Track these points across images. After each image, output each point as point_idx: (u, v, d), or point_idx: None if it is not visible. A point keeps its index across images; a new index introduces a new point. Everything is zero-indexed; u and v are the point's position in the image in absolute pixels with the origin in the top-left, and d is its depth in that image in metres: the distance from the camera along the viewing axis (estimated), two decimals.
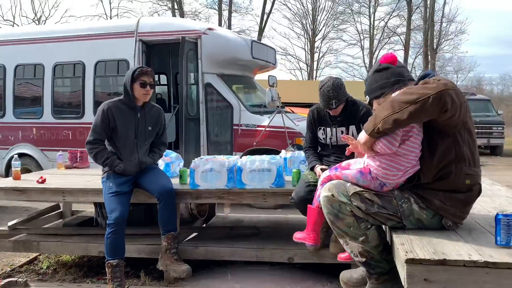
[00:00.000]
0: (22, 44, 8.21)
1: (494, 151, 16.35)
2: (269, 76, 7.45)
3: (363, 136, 2.35)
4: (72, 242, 4.08)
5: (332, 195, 2.38)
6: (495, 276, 1.84)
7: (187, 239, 4.18)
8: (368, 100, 2.54)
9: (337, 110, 3.53)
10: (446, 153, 2.25)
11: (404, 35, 29.95)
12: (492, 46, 63.35)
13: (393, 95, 2.31)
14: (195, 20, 23.83)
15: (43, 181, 4.22)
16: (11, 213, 6.39)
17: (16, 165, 4.56)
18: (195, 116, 7.29)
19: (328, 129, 3.64)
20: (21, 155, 7.76)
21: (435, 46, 28.39)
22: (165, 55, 8.57)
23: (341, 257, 2.99)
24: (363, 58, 33.09)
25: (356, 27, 32.96)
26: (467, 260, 1.86)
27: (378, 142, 2.30)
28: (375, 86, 2.43)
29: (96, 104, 7.64)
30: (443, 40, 29.71)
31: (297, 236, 3.35)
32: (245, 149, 6.89)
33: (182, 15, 26.91)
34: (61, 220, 5.07)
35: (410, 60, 30.03)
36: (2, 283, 3.70)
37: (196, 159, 3.99)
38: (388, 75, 2.40)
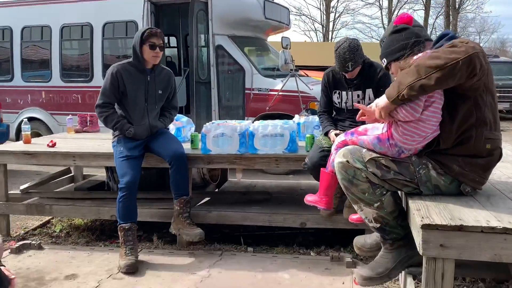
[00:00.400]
0: (29, 5, 8.17)
1: None
2: (282, 37, 7.35)
3: (382, 102, 2.29)
4: (84, 206, 4.17)
5: (347, 161, 2.37)
6: None
7: (199, 203, 4.25)
8: (385, 64, 2.45)
9: (353, 73, 3.48)
10: (467, 117, 2.22)
11: None
12: None
13: (415, 58, 2.25)
14: None
15: (54, 145, 4.28)
16: (23, 177, 6.53)
17: (26, 129, 4.62)
18: (206, 79, 7.26)
19: (344, 93, 3.60)
20: (30, 119, 7.81)
21: (457, 6, 27.63)
22: (175, 16, 8.47)
23: (353, 218, 3.02)
24: (382, 19, 32.39)
25: None
26: (485, 226, 1.86)
27: (400, 109, 2.25)
28: (394, 47, 2.36)
29: (105, 67, 7.64)
30: None
31: (309, 199, 3.36)
32: (258, 114, 6.88)
33: None
34: (72, 184, 5.18)
35: (430, 21, 29.34)
36: (17, 245, 3.82)
37: (207, 123, 3.99)
38: (407, 36, 2.33)
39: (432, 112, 2.26)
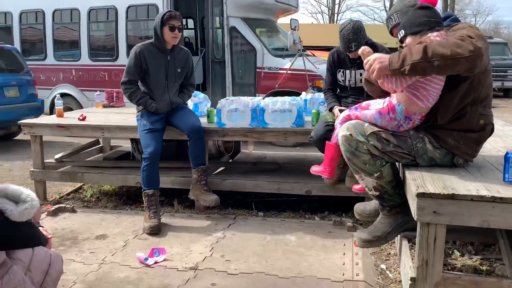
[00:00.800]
0: None
1: (508, 93, 15.81)
2: (291, 19, 7.23)
3: (382, 64, 2.13)
4: (112, 174, 4.22)
5: (350, 134, 2.36)
6: (500, 210, 1.84)
7: (215, 172, 4.28)
8: (401, 36, 2.31)
9: (356, 53, 3.42)
10: (465, 95, 2.18)
11: None
12: None
13: (429, 35, 2.18)
14: None
15: (84, 119, 4.31)
16: (57, 147, 6.61)
17: (59, 104, 4.65)
18: (220, 59, 7.20)
19: (347, 72, 3.55)
20: (62, 95, 7.90)
21: None
22: None
23: (356, 188, 3.03)
24: (384, 2, 31.64)
25: None
26: (475, 195, 1.86)
27: (390, 77, 2.20)
28: (416, 22, 2.24)
29: (129, 47, 7.60)
30: None
31: (314, 169, 3.37)
32: (268, 91, 6.84)
33: None
34: (101, 154, 5.22)
35: None
36: (53, 208, 3.89)
37: (222, 99, 3.98)
38: (432, 14, 2.24)
39: (431, 81, 2.21)
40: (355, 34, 3.31)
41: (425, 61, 2.00)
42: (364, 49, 2.40)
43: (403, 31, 2.30)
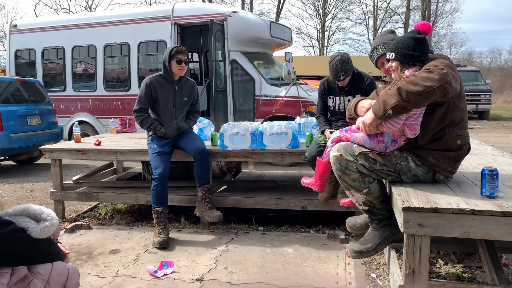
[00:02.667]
0: (77, 28, 8.23)
1: (482, 115, 15.90)
2: (285, 52, 7.32)
3: (370, 118, 2.22)
4: (124, 193, 4.19)
5: (341, 154, 2.36)
6: (479, 221, 1.83)
7: (218, 190, 4.25)
8: (390, 58, 2.27)
9: (344, 82, 3.46)
10: (442, 119, 2.20)
11: (404, 15, 28.81)
12: (483, 22, 60.56)
13: (406, 72, 2.17)
14: (221, 4, 23.38)
15: (99, 143, 4.31)
16: (75, 170, 6.60)
17: (77, 130, 4.67)
18: (223, 88, 7.26)
19: (337, 98, 3.58)
20: (80, 122, 7.94)
21: (431, 24, 27.26)
22: (197, 35, 8.49)
23: (344, 202, 3.00)
24: (368, 36, 32.12)
25: (362, 8, 32.20)
26: (455, 208, 1.85)
27: (385, 123, 2.22)
28: (407, 53, 2.21)
29: (140, 78, 7.68)
30: (439, 18, 28.56)
31: (305, 181, 3.33)
32: (265, 116, 6.87)
33: (210, 0, 26.37)
34: (115, 175, 5.21)
35: None
36: (70, 226, 3.86)
37: (224, 124, 3.99)
38: (424, 50, 2.22)
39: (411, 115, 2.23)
40: (343, 65, 3.35)
41: (402, 101, 2.04)
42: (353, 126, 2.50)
43: (393, 54, 2.27)
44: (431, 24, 26.76)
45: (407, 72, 2.18)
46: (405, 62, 2.23)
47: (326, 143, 3.13)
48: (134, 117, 3.74)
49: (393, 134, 2.29)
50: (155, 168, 3.56)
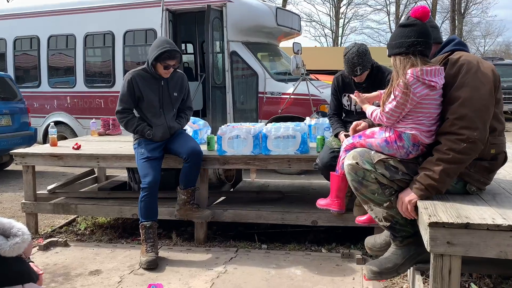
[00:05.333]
0: (54, 15, 8.29)
1: None
2: (293, 43, 7.35)
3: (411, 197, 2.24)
4: (107, 205, 4.20)
5: (357, 163, 2.36)
6: None
7: (215, 202, 4.26)
8: (387, 54, 2.39)
9: (361, 77, 3.46)
10: None
11: (431, 0, 28.85)
12: None
13: (409, 72, 2.19)
14: None
15: (78, 147, 4.33)
16: (50, 178, 6.62)
17: (53, 132, 4.68)
18: (221, 84, 7.28)
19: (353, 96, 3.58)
20: (56, 123, 7.97)
21: (462, 11, 27.32)
22: (191, 24, 8.53)
23: (360, 220, 3.00)
24: (389, 24, 32.20)
25: None
26: (490, 224, 1.84)
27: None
28: (395, 42, 2.30)
29: (126, 73, 7.71)
30: (471, 4, 28.56)
31: (321, 203, 3.35)
32: (270, 117, 6.88)
33: None
34: (96, 184, 5.23)
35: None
36: (44, 242, 3.86)
37: (222, 126, 4.00)
38: (409, 34, 2.25)
39: (425, 106, 2.24)
40: (360, 58, 3.35)
41: (450, 180, 2.19)
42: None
43: (387, 51, 2.36)
44: (463, 11, 26.80)
45: (409, 72, 2.20)
46: (395, 53, 2.28)
47: (340, 148, 3.13)
48: (117, 119, 3.76)
49: (413, 137, 2.29)
50: (144, 176, 3.56)
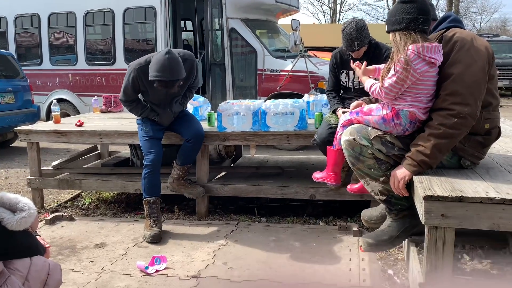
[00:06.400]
0: None
1: None
2: (292, 20, 7.25)
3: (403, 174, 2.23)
4: (110, 181, 4.22)
5: (354, 138, 2.36)
6: (510, 212, 1.84)
7: (216, 177, 4.28)
8: (386, 30, 2.37)
9: (359, 52, 3.42)
10: None
11: None
12: None
13: (410, 47, 2.17)
14: None
15: (81, 124, 4.32)
16: (54, 154, 6.63)
17: (56, 109, 4.66)
18: (220, 61, 7.22)
19: (351, 73, 3.55)
20: (59, 100, 7.88)
21: None
22: (190, 1, 8.38)
23: (352, 188, 3.01)
24: (387, 1, 31.66)
25: None
26: (484, 197, 1.86)
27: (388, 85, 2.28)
28: (394, 18, 2.27)
29: (126, 50, 7.65)
30: None
31: (317, 176, 3.37)
32: (269, 94, 6.85)
33: None
34: (99, 160, 5.23)
35: (433, 2, 28.61)
36: (50, 217, 3.90)
37: (222, 103, 3.98)
38: (408, 10, 2.22)
39: (423, 82, 2.23)
40: (358, 33, 3.31)
41: (442, 155, 2.19)
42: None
43: (386, 27, 2.33)
44: None
45: (410, 47, 2.17)
46: (395, 29, 2.25)
47: (338, 124, 3.12)
48: (122, 104, 3.70)
49: (410, 114, 2.28)
50: (147, 153, 3.56)
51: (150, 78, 3.32)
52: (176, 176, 3.75)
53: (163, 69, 3.25)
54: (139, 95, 3.68)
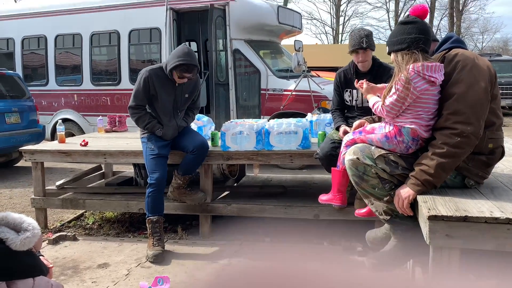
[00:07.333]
0: (61, 15, 8.28)
1: None
2: (295, 40, 7.32)
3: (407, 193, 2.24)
4: (114, 200, 4.22)
5: (357, 158, 2.36)
6: None
7: (220, 197, 4.26)
8: (387, 51, 2.41)
9: (366, 55, 3.40)
10: None
11: None
12: None
13: (410, 67, 2.19)
14: None
15: (86, 144, 4.34)
16: (58, 174, 6.64)
17: (61, 129, 4.69)
18: (224, 81, 7.28)
19: (354, 92, 3.57)
20: (64, 120, 7.94)
21: (461, 7, 27.12)
22: (195, 22, 8.50)
23: (359, 213, 3.00)
24: (389, 21, 32.12)
25: None
26: (488, 217, 1.84)
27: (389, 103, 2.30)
28: (395, 39, 2.31)
29: (132, 71, 7.72)
30: (469, 1, 28.38)
31: (323, 198, 3.35)
32: (273, 113, 6.87)
33: None
34: (103, 180, 5.24)
35: (435, 22, 28.97)
36: (54, 237, 3.88)
37: (226, 122, 4.00)
38: (410, 31, 2.26)
39: (424, 101, 2.25)
40: (367, 33, 3.39)
41: (445, 175, 2.19)
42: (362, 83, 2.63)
43: (387, 47, 2.36)
44: (461, 8, 26.62)
45: (410, 66, 2.19)
46: (396, 50, 2.28)
47: (341, 140, 3.13)
48: (129, 113, 3.72)
49: (412, 131, 2.29)
50: (152, 172, 3.57)
51: (172, 65, 3.47)
52: (176, 185, 3.77)
53: (184, 54, 3.48)
54: (147, 107, 3.72)
